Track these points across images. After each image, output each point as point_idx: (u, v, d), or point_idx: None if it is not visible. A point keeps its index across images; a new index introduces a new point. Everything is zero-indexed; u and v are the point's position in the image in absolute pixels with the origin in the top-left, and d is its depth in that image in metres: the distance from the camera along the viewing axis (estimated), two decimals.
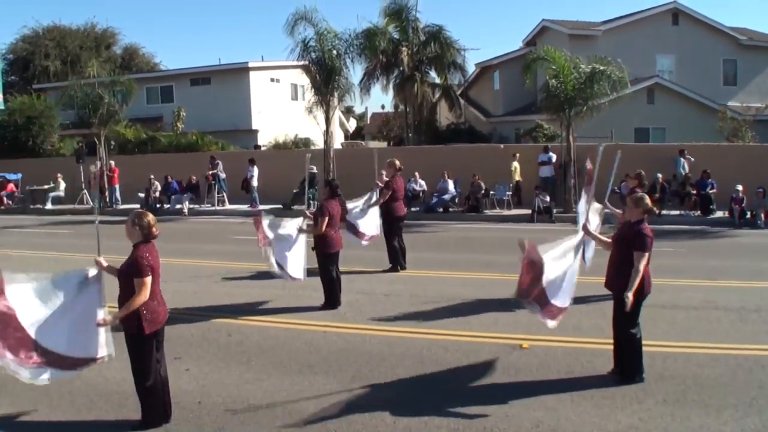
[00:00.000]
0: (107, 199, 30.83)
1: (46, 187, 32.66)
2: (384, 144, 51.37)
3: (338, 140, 42.24)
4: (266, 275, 13.24)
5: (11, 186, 33.76)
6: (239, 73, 42.12)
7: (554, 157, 25.64)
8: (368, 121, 73.41)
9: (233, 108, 41.05)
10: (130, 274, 6.41)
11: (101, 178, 30.66)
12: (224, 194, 29.60)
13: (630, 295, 7.18)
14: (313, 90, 28.17)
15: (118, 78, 32.56)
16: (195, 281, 13.74)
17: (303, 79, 33.46)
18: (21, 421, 6.91)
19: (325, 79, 26.91)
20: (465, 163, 26.68)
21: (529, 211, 23.55)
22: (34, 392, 7.11)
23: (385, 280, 13.51)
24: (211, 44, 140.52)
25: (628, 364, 7.62)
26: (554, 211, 23.34)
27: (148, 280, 6.39)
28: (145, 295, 6.33)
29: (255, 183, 28.22)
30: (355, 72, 52.27)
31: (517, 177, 26.15)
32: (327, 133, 27.43)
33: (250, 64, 42.11)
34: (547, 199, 23.54)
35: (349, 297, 11.87)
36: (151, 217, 6.72)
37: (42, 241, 20.98)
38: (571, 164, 24.28)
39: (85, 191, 32.13)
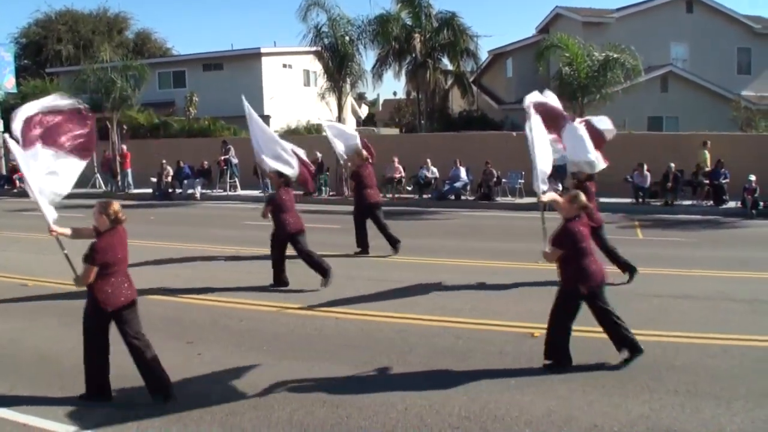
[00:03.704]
0: (119, 184, 30.96)
1: None
2: (396, 131, 51.34)
3: (350, 127, 42.18)
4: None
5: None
6: (251, 58, 42.06)
7: None
8: (380, 108, 73.39)
9: (245, 93, 40.80)
10: (83, 257, 6.74)
11: (113, 162, 30.83)
12: (236, 179, 29.69)
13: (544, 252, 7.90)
14: (325, 76, 28.25)
15: (130, 63, 32.65)
16: (206, 266, 13.82)
17: (315, 65, 33.51)
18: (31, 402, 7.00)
19: (337, 65, 26.97)
20: (477, 151, 26.64)
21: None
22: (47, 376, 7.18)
23: (396, 267, 13.54)
24: (224, 30, 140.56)
25: (555, 350, 7.76)
26: None
27: (94, 269, 6.68)
28: (87, 278, 6.69)
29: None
30: (367, 58, 52.16)
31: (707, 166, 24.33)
32: (339, 120, 27.47)
33: (263, 50, 42.04)
34: (560, 187, 23.49)
35: (360, 283, 11.92)
36: (116, 204, 7.00)
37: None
38: None
39: (98, 175, 32.27)
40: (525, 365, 7.84)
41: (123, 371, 7.19)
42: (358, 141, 15.42)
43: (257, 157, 12.85)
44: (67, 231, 7.36)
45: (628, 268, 12.12)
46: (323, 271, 11.96)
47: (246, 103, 13.62)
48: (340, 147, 15.11)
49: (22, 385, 7.50)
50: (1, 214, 24.57)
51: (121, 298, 6.89)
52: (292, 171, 12.54)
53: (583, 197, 7.84)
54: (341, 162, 16.34)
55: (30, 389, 7.41)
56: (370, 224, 14.97)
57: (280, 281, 12.07)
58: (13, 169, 33.89)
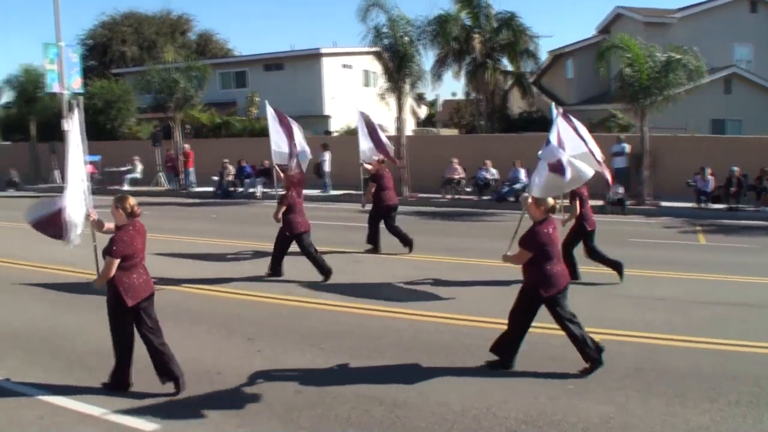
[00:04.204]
0: (182, 182, 31.48)
1: (123, 168, 33.44)
2: (455, 132, 51.20)
3: (409, 127, 42.23)
4: (336, 260, 13.44)
5: (90, 167, 34.60)
6: (312, 59, 42.40)
7: (628, 148, 25.19)
8: (440, 109, 73.27)
9: (306, 94, 41.38)
10: (104, 251, 7.06)
11: (176, 161, 31.37)
12: None
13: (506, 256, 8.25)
14: (385, 76, 28.31)
15: (193, 63, 33.13)
16: (266, 263, 14.00)
17: (375, 66, 33.68)
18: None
19: (397, 65, 26.98)
20: (537, 152, 26.41)
21: (601, 203, 23.25)
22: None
23: (451, 268, 13.54)
24: (284, 30, 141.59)
25: (504, 349, 7.92)
26: (627, 203, 23.02)
27: (115, 262, 6.94)
28: (109, 271, 6.94)
29: (327, 168, 28.47)
30: (427, 58, 52.13)
31: None
32: (399, 120, 27.53)
33: (323, 50, 42.34)
34: (620, 190, 23.24)
35: (419, 285, 11.99)
36: (131, 199, 7.29)
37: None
38: (646, 155, 23.89)
39: (161, 174, 32.86)
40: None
41: (184, 367, 7.36)
42: (376, 156, 16.19)
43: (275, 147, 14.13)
44: (101, 221, 7.82)
45: (616, 267, 12.48)
46: (325, 272, 12.54)
47: (269, 107, 14.71)
48: (364, 145, 15.26)
49: (84, 377, 7.73)
50: None
51: (141, 291, 7.16)
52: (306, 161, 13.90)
53: (550, 201, 8.00)
54: (360, 161, 16.52)
55: (92, 381, 7.61)
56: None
57: (277, 272, 12.87)
58: None
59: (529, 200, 8.16)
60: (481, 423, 6.48)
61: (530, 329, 7.88)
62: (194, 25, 63.30)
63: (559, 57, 44.08)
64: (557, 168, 8.54)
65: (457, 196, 25.95)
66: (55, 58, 34.57)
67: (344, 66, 44.12)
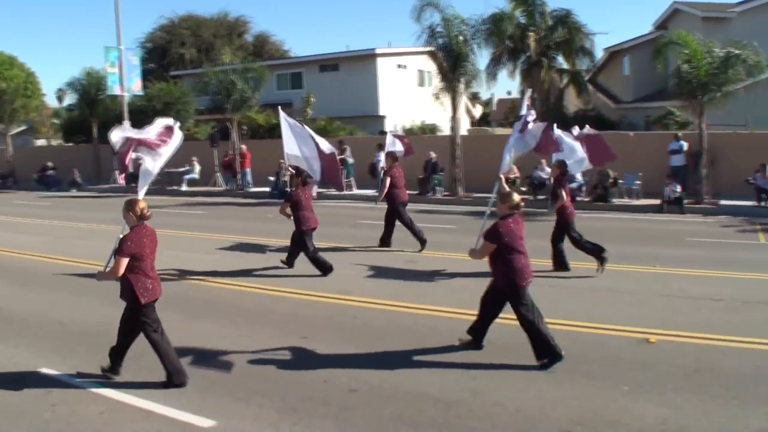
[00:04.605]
0: (239, 182, 31.87)
1: (181, 169, 33.95)
2: (510, 131, 50.90)
3: (464, 127, 42.14)
4: (391, 260, 13.52)
5: None
6: (367, 59, 42.55)
7: (686, 146, 24.82)
8: (494, 108, 72.98)
9: (361, 94, 41.56)
10: (115, 251, 7.47)
11: (234, 161, 31.77)
12: (352, 179, 30.06)
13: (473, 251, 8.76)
14: (439, 76, 28.28)
15: (250, 65, 33.51)
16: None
17: (429, 65, 33.62)
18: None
19: (451, 64, 26.97)
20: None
21: (658, 201, 22.96)
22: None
23: None
24: (339, 31, 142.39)
25: (476, 333, 8.61)
26: (685, 201, 22.67)
27: (123, 261, 7.30)
28: (118, 269, 7.32)
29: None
30: (481, 57, 51.95)
31: None
32: (453, 120, 27.50)
33: (378, 51, 42.45)
34: (678, 189, 22.90)
35: (471, 283, 11.99)
36: (142, 202, 7.64)
37: (175, 220, 21.88)
38: (704, 153, 23.51)
39: (219, 174, 33.31)
40: (639, 371, 7.71)
41: (241, 364, 7.49)
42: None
43: (287, 150, 14.40)
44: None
45: (597, 255, 13.00)
46: (324, 270, 13.12)
47: (281, 112, 15.24)
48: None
49: (144, 374, 7.90)
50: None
51: (155, 292, 7.56)
52: (316, 173, 14.13)
53: (515, 197, 8.33)
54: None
55: (151, 377, 7.78)
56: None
57: (290, 264, 13.67)
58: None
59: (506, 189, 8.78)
60: (535, 423, 6.47)
61: (583, 330, 7.85)
62: (251, 27, 64.11)
63: (615, 54, 43.51)
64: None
65: None
66: (115, 62, 35.37)
67: (399, 66, 44.20)
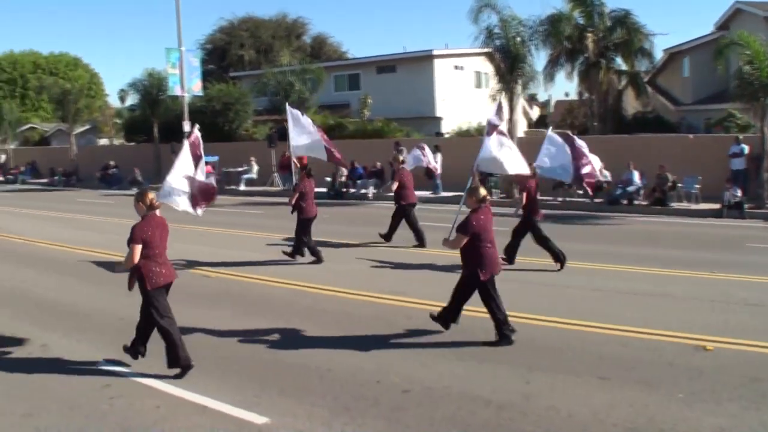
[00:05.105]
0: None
1: (240, 169, 34.41)
2: (568, 133, 50.41)
3: (521, 129, 41.92)
4: (445, 262, 13.55)
5: (209, 167, 35.77)
6: (424, 60, 42.58)
7: (747, 149, 24.34)
8: (552, 109, 72.36)
9: (418, 95, 41.61)
10: (127, 241, 7.80)
11: (290, 161, 32.04)
12: None
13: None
14: (496, 77, 28.21)
15: (308, 66, 33.83)
16: (381, 264, 14.20)
17: (487, 67, 33.58)
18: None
19: (509, 66, 26.89)
20: (651, 154, 25.85)
21: (718, 206, 22.59)
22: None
23: (570, 273, 13.42)
24: (397, 33, 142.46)
25: (444, 318, 9.28)
26: (745, 206, 22.27)
27: (136, 248, 7.72)
28: (133, 257, 7.72)
29: (438, 170, 28.55)
30: (539, 59, 51.62)
31: None
32: (510, 122, 27.37)
33: (435, 52, 42.45)
34: (739, 193, 22.50)
35: (533, 289, 11.97)
36: (151, 193, 8.14)
37: (234, 219, 22.22)
38: (765, 157, 23.06)
39: (276, 174, 33.64)
40: (695, 379, 7.60)
41: (295, 363, 7.60)
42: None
43: (292, 145, 16.06)
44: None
45: (559, 258, 13.56)
46: (317, 259, 14.49)
47: (288, 108, 16.57)
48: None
49: (199, 370, 8.05)
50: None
51: (162, 279, 7.92)
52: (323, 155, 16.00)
53: (481, 191, 9.03)
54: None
55: (206, 374, 7.98)
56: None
57: (299, 253, 14.72)
58: None
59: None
60: (588, 429, 6.44)
61: (638, 335, 7.79)
62: (309, 28, 64.75)
63: (675, 55, 42.83)
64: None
65: (568, 199, 25.63)
66: (176, 63, 35.96)
67: (456, 67, 44.15)
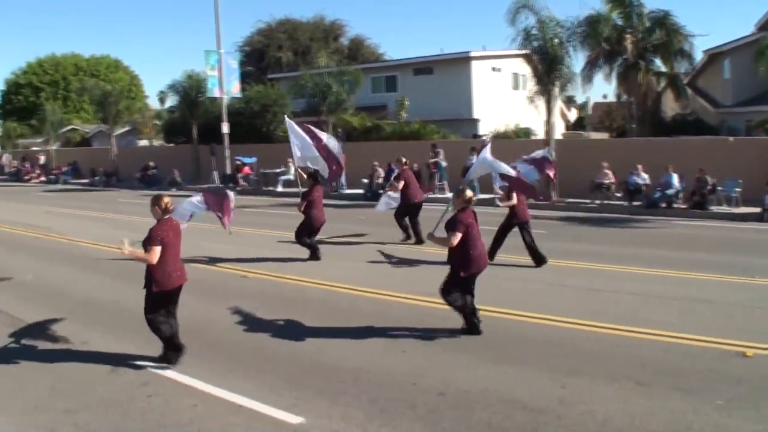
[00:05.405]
0: (334, 184, 32.30)
1: (277, 170, 34.59)
2: (606, 135, 50.10)
3: (559, 131, 41.70)
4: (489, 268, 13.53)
5: (247, 169, 36.24)
6: (461, 62, 42.52)
7: None
8: (590, 112, 71.83)
9: (455, 97, 41.56)
10: (144, 243, 8.19)
11: None
12: (445, 182, 30.07)
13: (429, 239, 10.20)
14: (534, 79, 28.04)
15: (345, 68, 33.95)
16: (422, 267, 14.22)
17: (524, 68, 33.37)
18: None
19: (546, 68, 26.72)
20: (691, 157, 25.54)
21: (758, 209, 22.27)
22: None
23: (603, 276, 13.35)
24: (434, 34, 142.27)
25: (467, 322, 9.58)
26: None
27: (155, 249, 8.07)
28: (150, 258, 8.06)
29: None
30: (577, 60, 51.32)
31: None
32: (548, 123, 27.26)
33: (472, 54, 42.35)
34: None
35: (566, 291, 11.92)
36: (166, 197, 8.49)
37: (268, 220, 22.35)
38: None
39: None
40: (734, 385, 7.52)
41: (329, 364, 7.65)
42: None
43: (295, 155, 16.37)
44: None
45: (540, 260, 14.21)
46: (315, 255, 15.18)
47: (287, 119, 17.15)
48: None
49: (236, 369, 8.18)
50: None
51: (174, 280, 8.29)
52: (324, 171, 16.13)
53: (468, 193, 9.58)
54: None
55: (243, 374, 8.09)
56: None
57: (315, 257, 15.18)
58: (238, 167, 36.30)
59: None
60: None
61: (676, 341, 7.72)
62: (347, 30, 65.04)
63: (715, 56, 42.25)
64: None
65: (606, 202, 25.43)
66: (215, 65, 36.33)
67: (493, 69, 44.01)
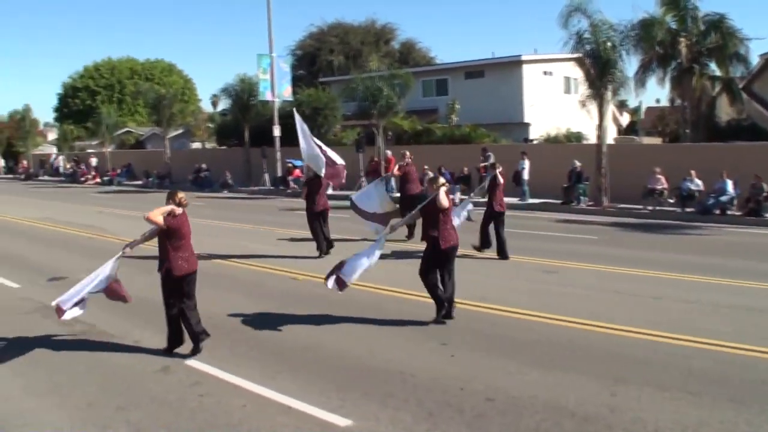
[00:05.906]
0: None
1: None
2: (658, 140, 49.45)
3: (611, 135, 41.28)
4: (530, 271, 13.45)
5: (297, 171, 36.45)
6: (512, 66, 42.37)
7: None
8: (642, 116, 70.99)
9: (505, 101, 41.40)
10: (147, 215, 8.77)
11: (379, 166, 32.27)
12: None
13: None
14: (586, 83, 27.81)
15: (396, 71, 34.01)
16: (473, 269, 14.18)
17: (576, 72, 33.12)
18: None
19: (599, 71, 26.50)
20: (746, 163, 25.08)
21: None
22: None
23: (651, 283, 13.19)
24: (485, 38, 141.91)
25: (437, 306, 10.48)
26: None
27: (161, 210, 8.70)
28: (153, 215, 8.60)
29: (526, 176, 28.37)
30: (630, 64, 50.71)
31: None
32: (600, 128, 26.99)
33: (523, 57, 42.20)
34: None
35: (606, 296, 11.81)
36: (181, 193, 9.09)
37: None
38: None
39: (363, 179, 33.88)
40: None
41: (378, 367, 7.67)
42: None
43: (304, 154, 16.97)
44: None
45: (484, 246, 16.06)
46: (320, 249, 16.25)
47: (297, 116, 17.24)
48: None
49: (284, 370, 8.26)
50: (274, 213, 26.59)
51: (186, 267, 8.83)
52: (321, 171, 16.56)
53: (440, 180, 10.53)
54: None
55: (291, 375, 8.16)
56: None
57: (321, 249, 16.26)
58: (288, 170, 36.57)
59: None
60: None
61: (729, 350, 7.59)
62: (398, 34, 65.18)
63: None
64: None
65: (659, 208, 25.12)
66: (267, 68, 36.70)
67: (545, 73, 43.77)
